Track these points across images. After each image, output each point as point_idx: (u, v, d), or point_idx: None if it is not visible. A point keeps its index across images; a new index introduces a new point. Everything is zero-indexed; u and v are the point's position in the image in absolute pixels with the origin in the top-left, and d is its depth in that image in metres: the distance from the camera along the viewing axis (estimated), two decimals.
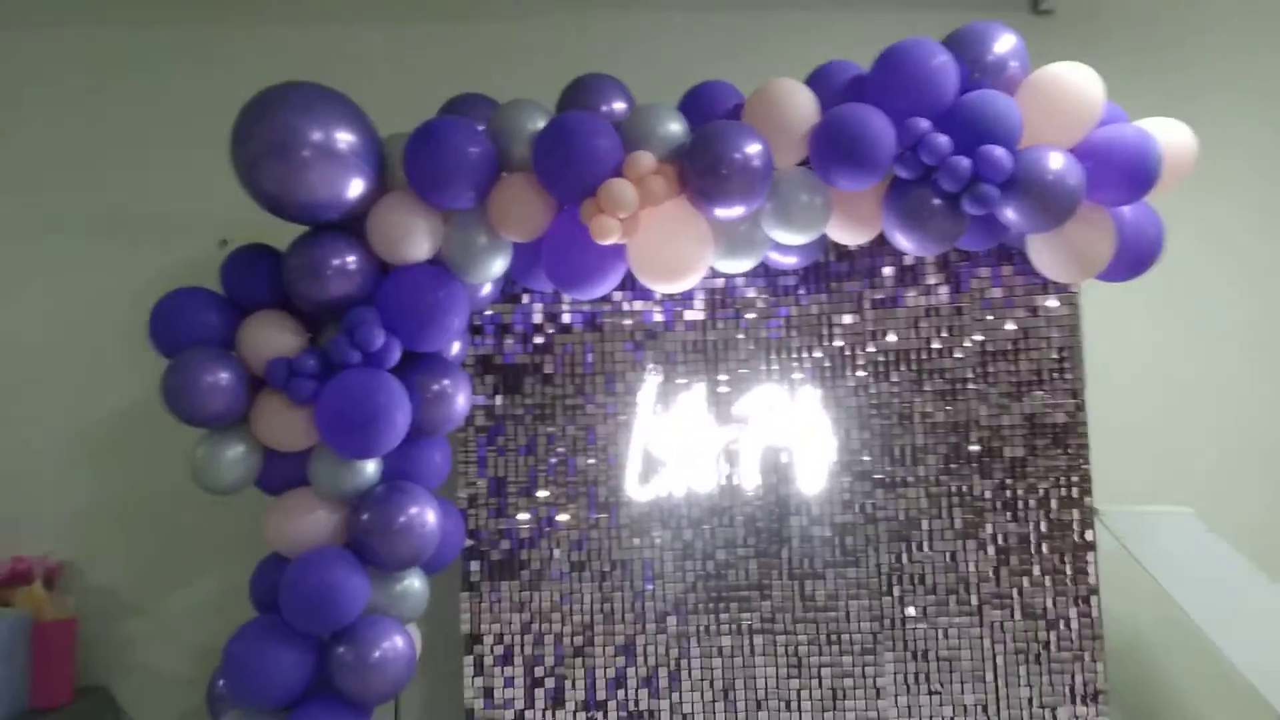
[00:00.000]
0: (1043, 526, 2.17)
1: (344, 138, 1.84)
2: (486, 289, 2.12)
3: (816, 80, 1.99)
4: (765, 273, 2.25)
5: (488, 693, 2.20)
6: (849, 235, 2.03)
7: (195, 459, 1.90)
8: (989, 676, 2.16)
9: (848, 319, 2.25)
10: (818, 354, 2.25)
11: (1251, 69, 2.74)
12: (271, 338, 1.90)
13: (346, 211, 1.89)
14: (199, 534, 2.49)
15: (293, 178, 1.80)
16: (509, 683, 2.20)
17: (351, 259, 1.90)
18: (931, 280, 2.24)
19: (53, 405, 2.55)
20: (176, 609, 2.50)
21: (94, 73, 2.65)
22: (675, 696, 2.19)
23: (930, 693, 2.17)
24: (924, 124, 1.86)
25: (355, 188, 1.87)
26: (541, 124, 1.93)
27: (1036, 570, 2.17)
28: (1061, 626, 2.16)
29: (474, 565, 2.22)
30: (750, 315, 2.26)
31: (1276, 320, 2.67)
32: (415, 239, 1.91)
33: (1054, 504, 2.18)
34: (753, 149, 1.84)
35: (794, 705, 2.18)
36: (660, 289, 2.04)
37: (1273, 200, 2.70)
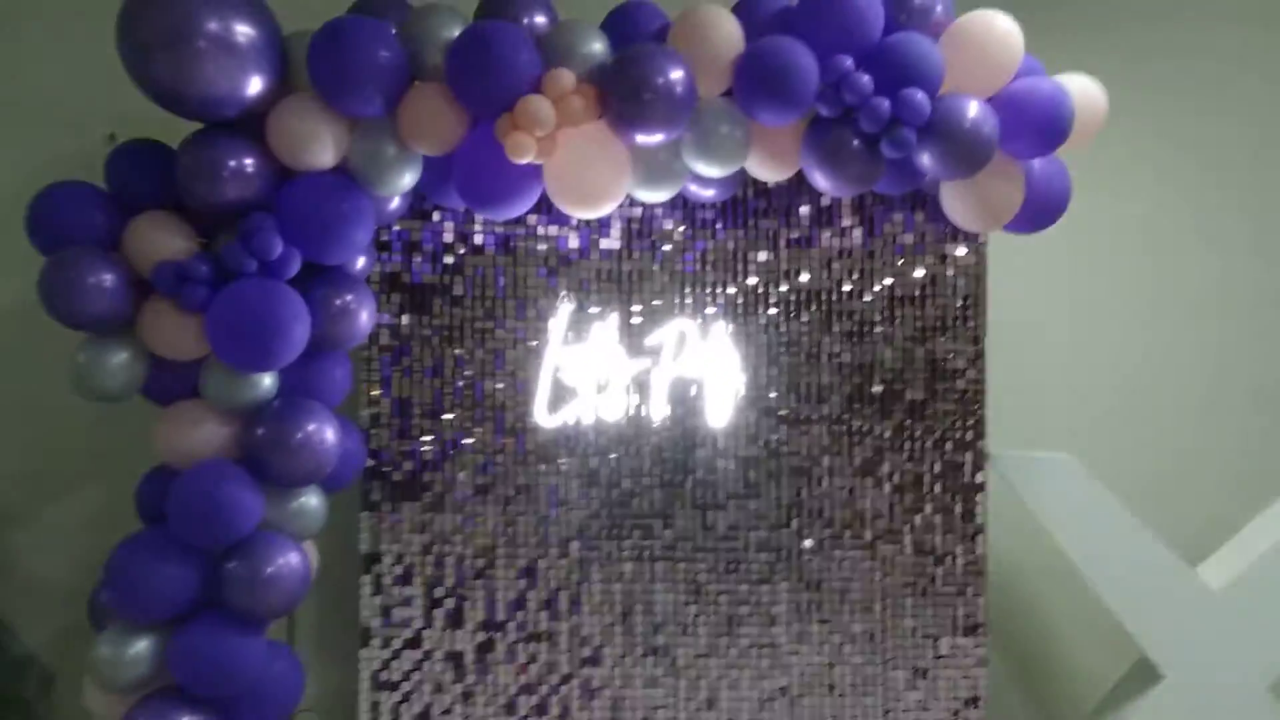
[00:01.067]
0: (937, 467, 2.25)
1: (243, 30, 1.72)
2: (395, 203, 2.05)
3: (743, 9, 1.95)
4: (683, 205, 2.23)
5: (385, 611, 2.19)
6: (768, 171, 2.02)
7: (76, 364, 1.81)
8: (877, 608, 2.25)
9: (762, 256, 2.25)
10: (731, 290, 2.25)
11: (1164, 32, 2.79)
12: (160, 240, 1.80)
13: (245, 110, 1.79)
14: (81, 442, 2.39)
15: (186, 70, 1.69)
16: (407, 602, 2.19)
17: (249, 161, 1.80)
18: (846, 222, 2.25)
19: None
20: (58, 520, 2.41)
21: None
22: (575, 619, 2.22)
23: (821, 621, 2.25)
24: (848, 62, 1.84)
25: (254, 85, 1.76)
26: (457, 32, 1.85)
27: (928, 508, 2.25)
28: (948, 562, 2.25)
29: (375, 485, 2.19)
30: (666, 247, 2.24)
31: (1169, 280, 2.78)
32: (318, 145, 1.82)
33: (949, 446, 2.25)
34: (676, 75, 1.80)
35: (690, 630, 2.23)
36: (576, 214, 2.00)
37: (1174, 163, 2.78)
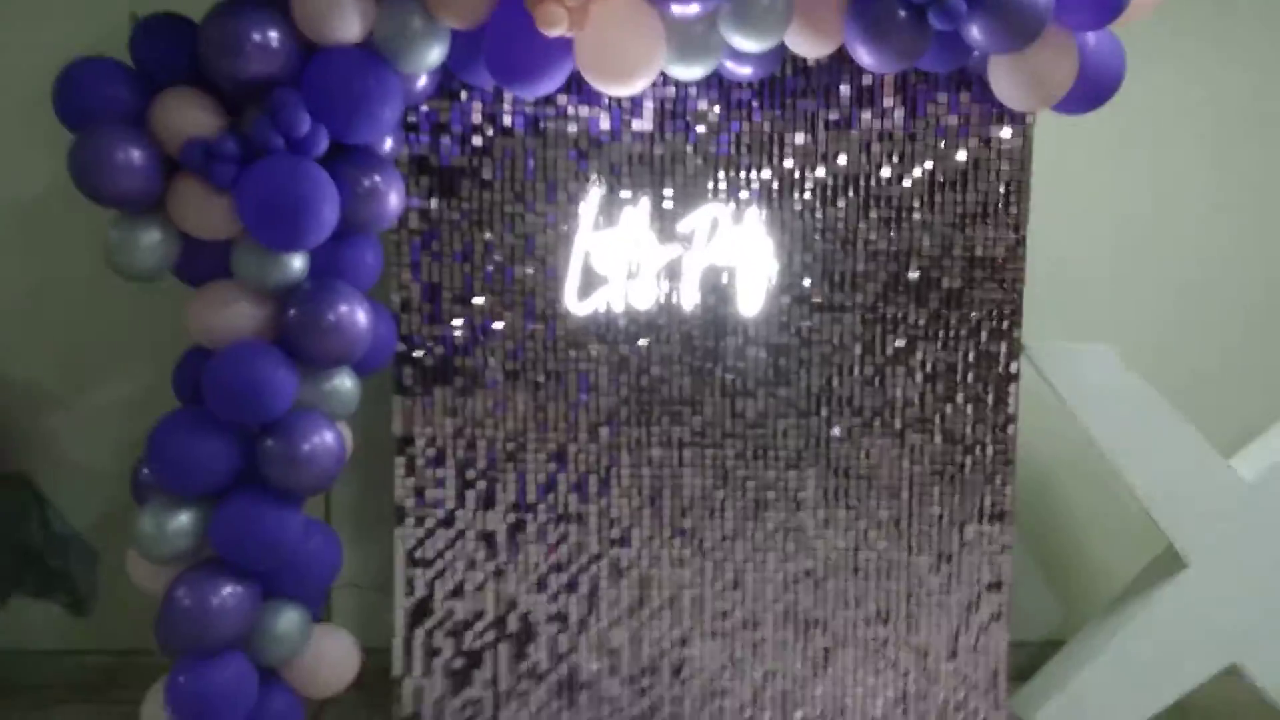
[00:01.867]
0: (970, 356, 2.22)
1: None
2: (422, 81, 1.99)
3: None
4: (718, 85, 2.15)
5: (418, 492, 2.24)
6: (809, 45, 1.94)
7: (109, 242, 1.80)
8: (904, 494, 2.26)
9: (800, 138, 2.18)
10: (766, 174, 2.19)
11: None
12: (187, 116, 1.77)
13: None
14: (118, 326, 2.42)
15: None
16: (439, 483, 2.24)
17: (273, 34, 1.75)
18: (888, 103, 2.17)
19: None
20: (96, 401, 2.46)
21: None
22: (604, 502, 2.26)
23: (848, 507, 2.27)
24: None
25: None
26: None
27: (960, 398, 2.24)
28: (977, 451, 2.25)
29: (407, 369, 2.20)
30: (700, 129, 2.18)
31: (1225, 172, 2.67)
32: (344, 17, 1.76)
33: (984, 335, 2.22)
34: None
35: (717, 513, 2.27)
36: (609, 91, 1.94)
37: (1236, 43, 2.64)
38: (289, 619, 1.99)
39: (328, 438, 1.90)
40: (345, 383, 2.01)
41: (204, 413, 1.87)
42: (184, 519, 1.88)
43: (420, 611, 2.26)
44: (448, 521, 2.25)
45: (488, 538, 2.26)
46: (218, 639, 1.87)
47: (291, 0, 1.76)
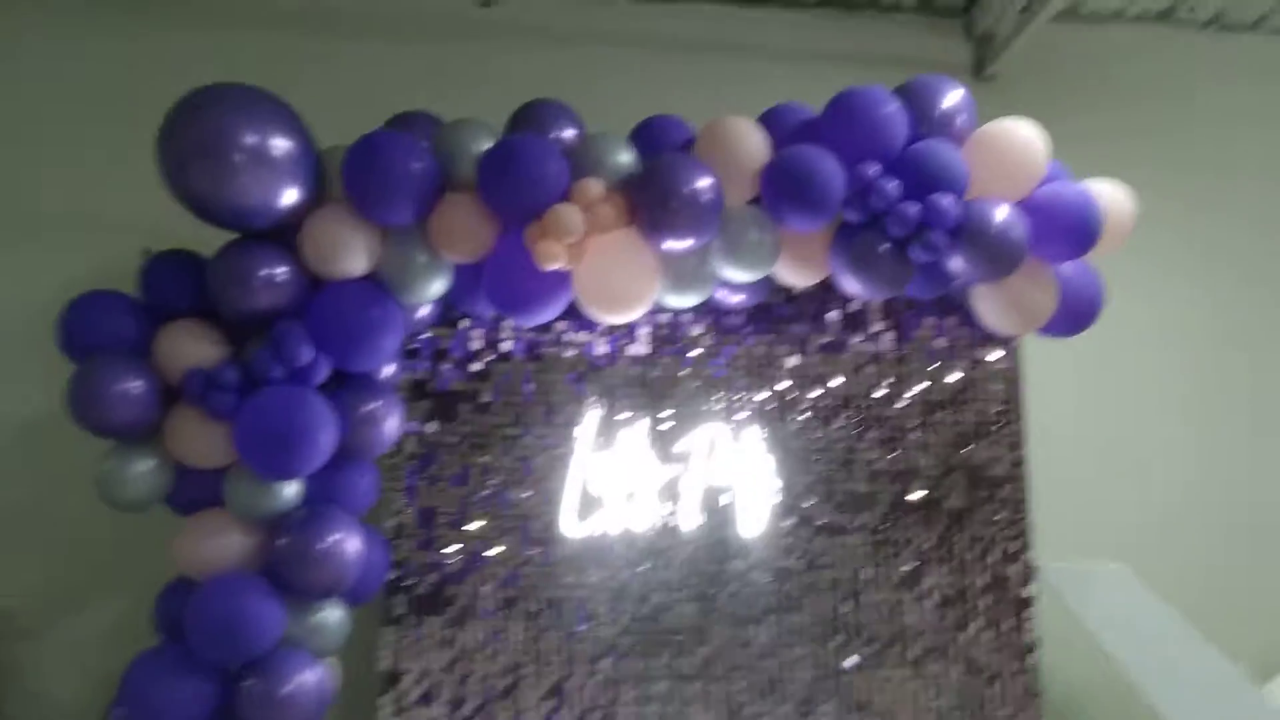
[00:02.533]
0: (983, 580, 2.15)
1: (279, 144, 1.77)
2: (424, 311, 2.06)
3: (769, 120, 1.99)
4: (712, 310, 2.22)
5: None
6: (797, 276, 2.02)
7: (102, 472, 1.79)
8: None
9: (793, 361, 2.22)
10: (762, 395, 2.21)
11: (1180, 139, 2.82)
12: (190, 347, 1.81)
13: (278, 221, 1.83)
14: (101, 553, 2.35)
15: (223, 181, 1.73)
16: None
17: (281, 270, 1.83)
18: (877, 327, 2.23)
19: None
20: (73, 631, 2.34)
21: (6, 64, 2.54)
22: None
23: None
24: (874, 168, 1.86)
25: (289, 196, 1.80)
26: (488, 145, 1.89)
27: (977, 624, 2.14)
28: (998, 684, 2.12)
29: (398, 599, 2.12)
30: (695, 352, 2.22)
31: (1208, 379, 2.72)
32: (351, 253, 1.85)
33: (994, 557, 2.16)
34: (703, 183, 1.82)
35: None
36: (605, 320, 1.99)
37: (1204, 265, 2.77)
38: None
39: (311, 678, 1.80)
40: (333, 615, 1.93)
41: (182, 650, 1.78)
42: None
43: None
44: None
45: None
46: None
47: (301, 238, 1.85)
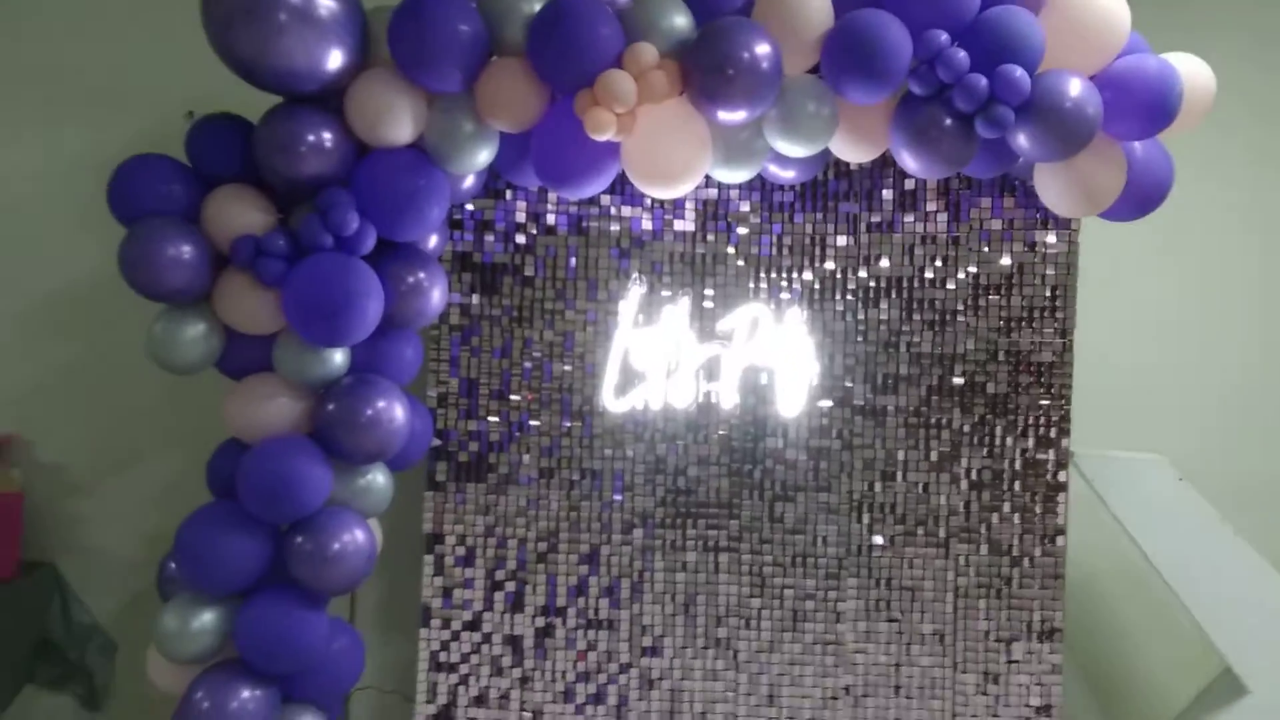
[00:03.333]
0: (1017, 464, 2.16)
1: (325, 3, 1.70)
2: (469, 181, 2.02)
3: None
4: (761, 187, 2.16)
5: (446, 593, 2.18)
6: (853, 152, 1.95)
7: (153, 335, 1.81)
8: (949, 608, 2.17)
9: (841, 241, 2.18)
10: (808, 275, 2.18)
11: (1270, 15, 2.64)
12: (239, 213, 1.79)
13: (324, 84, 1.77)
14: (154, 415, 2.41)
15: (268, 43, 1.66)
16: (468, 584, 2.18)
17: (328, 136, 1.78)
18: (931, 207, 2.17)
19: (6, 276, 2.43)
20: (127, 490, 2.44)
21: None
22: (636, 608, 2.18)
23: (889, 620, 2.18)
24: (943, 37, 1.76)
25: (335, 59, 1.74)
26: (538, 5, 1.80)
27: (1007, 507, 2.17)
28: (1026, 564, 2.17)
29: (440, 465, 2.17)
30: (742, 230, 2.18)
31: (1273, 276, 2.64)
32: (396, 120, 1.79)
33: (1031, 443, 2.16)
34: (762, 50, 1.74)
35: (754, 624, 2.18)
36: (653, 193, 1.94)
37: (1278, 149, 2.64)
38: None
39: (359, 536, 1.86)
40: (379, 479, 1.98)
41: (235, 508, 1.83)
42: (208, 618, 1.83)
43: (441, 718, 2.17)
44: (474, 624, 2.19)
45: (514, 642, 2.19)
46: None
47: (346, 103, 1.80)
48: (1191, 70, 1.91)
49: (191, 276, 1.77)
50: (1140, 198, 1.95)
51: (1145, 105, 1.81)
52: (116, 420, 2.44)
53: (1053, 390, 2.15)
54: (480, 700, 2.18)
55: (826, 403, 2.17)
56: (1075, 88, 1.76)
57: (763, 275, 2.18)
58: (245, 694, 1.81)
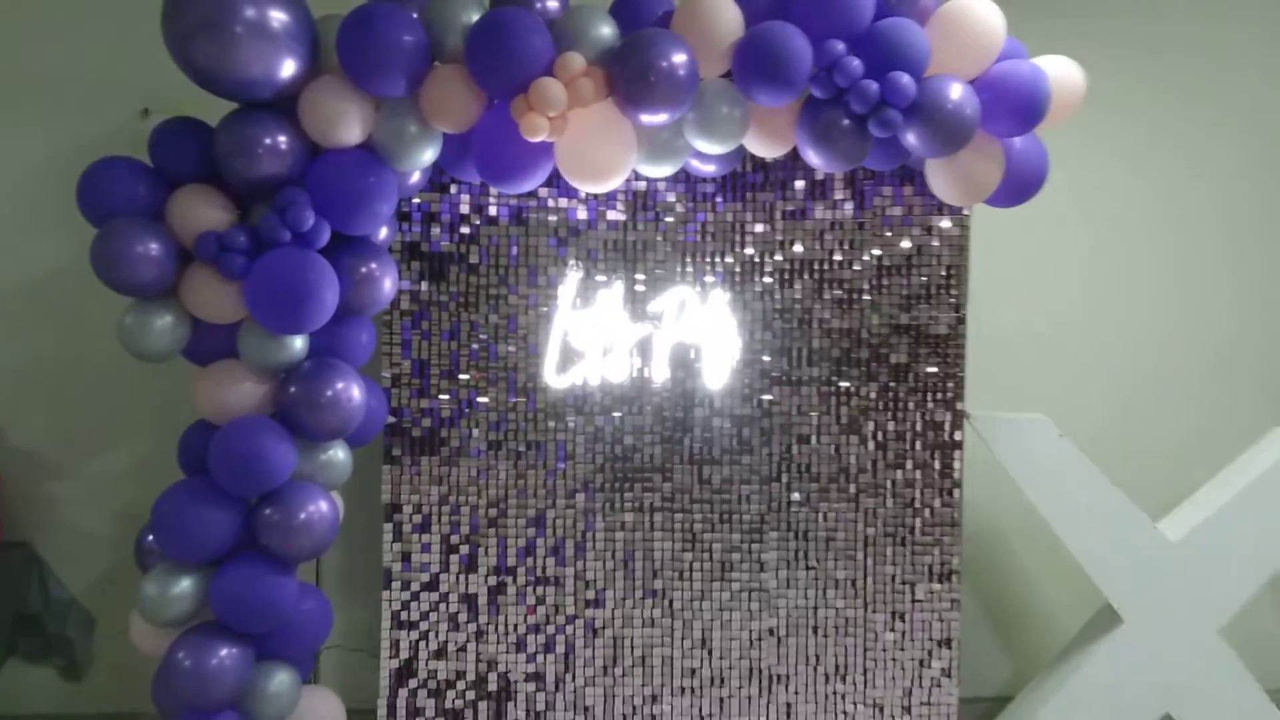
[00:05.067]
0: (918, 426, 2.41)
1: (278, 16, 1.84)
2: (415, 177, 2.18)
3: None
4: (685, 179, 2.36)
5: (405, 557, 2.37)
6: (765, 148, 2.16)
7: (124, 326, 1.95)
8: (859, 555, 2.43)
9: (759, 228, 2.39)
10: (729, 259, 2.39)
11: (1140, 20, 2.91)
12: (201, 212, 1.93)
13: (278, 91, 1.91)
14: (122, 400, 2.54)
15: (226, 55, 1.81)
16: (425, 548, 2.37)
17: (283, 139, 1.93)
18: (839, 195, 2.39)
19: None
20: (100, 471, 2.57)
21: None
22: (580, 565, 2.40)
23: (807, 568, 2.43)
24: (840, 46, 1.97)
25: (288, 68, 1.88)
26: (475, 16, 1.96)
27: (909, 464, 2.42)
28: (926, 514, 2.42)
29: (396, 440, 2.35)
30: (669, 219, 2.38)
31: (1139, 253, 2.94)
32: (347, 123, 1.95)
33: (930, 406, 2.41)
34: (679, 58, 1.93)
35: (686, 575, 2.41)
36: (585, 188, 2.13)
37: (1148, 149, 2.93)
38: (280, 680, 2.09)
39: (323, 507, 2.04)
40: (339, 454, 2.15)
41: (207, 483, 1.99)
42: (185, 584, 2.00)
43: (404, 672, 2.37)
44: (432, 585, 2.38)
45: (469, 600, 2.39)
46: (213, 699, 1.97)
47: (299, 108, 1.95)
48: (1062, 71, 2.15)
49: (159, 271, 1.92)
50: (1018, 187, 2.19)
51: (1018, 106, 2.04)
52: (87, 406, 2.57)
53: (948, 359, 2.40)
54: (439, 654, 2.38)
55: (748, 375, 2.39)
56: (956, 91, 1.98)
57: (689, 260, 2.39)
58: (223, 652, 1.98)
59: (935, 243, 2.40)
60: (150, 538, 2.09)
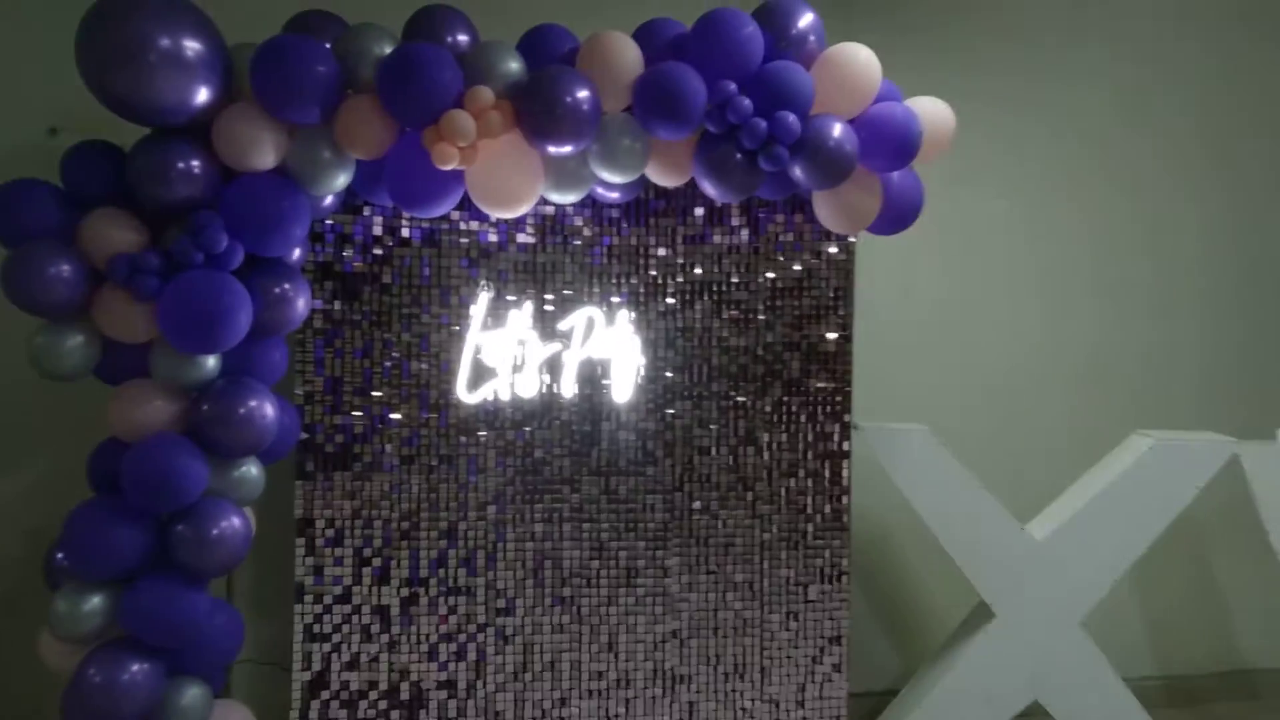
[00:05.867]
0: (809, 437, 2.59)
1: (191, 45, 1.90)
2: (329, 200, 2.25)
3: (642, 34, 2.21)
4: (592, 204, 2.49)
5: (317, 570, 2.42)
6: (665, 179, 2.30)
7: (36, 346, 1.97)
8: (756, 559, 2.58)
9: (662, 251, 2.54)
10: (634, 281, 2.53)
11: (1006, 53, 3.18)
12: (114, 235, 1.97)
13: (192, 117, 1.97)
14: (27, 419, 2.52)
15: (141, 83, 1.86)
16: (338, 561, 2.43)
17: (196, 163, 1.98)
18: (735, 222, 2.55)
19: None
20: (3, 490, 2.54)
21: None
22: (491, 574, 2.49)
23: (708, 572, 2.57)
24: (731, 87, 2.13)
25: (202, 95, 1.94)
26: (387, 49, 2.06)
27: (801, 473, 2.59)
28: (818, 519, 2.60)
29: (309, 456, 2.40)
30: (577, 242, 2.51)
31: (1008, 273, 3.21)
32: (260, 149, 2.01)
33: (820, 418, 2.59)
34: (583, 94, 2.06)
35: (594, 582, 2.53)
36: (494, 214, 2.24)
37: (1019, 174, 3.20)
38: (192, 695, 2.12)
39: (235, 522, 2.08)
40: (252, 470, 2.19)
41: (117, 501, 2.02)
42: (96, 600, 2.02)
43: (317, 684, 2.42)
44: (344, 598, 2.44)
45: (382, 612, 2.45)
46: (125, 714, 1.99)
47: (213, 133, 2.01)
48: (933, 110, 2.36)
49: (71, 293, 1.95)
50: (897, 217, 2.39)
51: (893, 144, 2.24)
52: None
53: (836, 374, 2.59)
54: (352, 665, 2.44)
55: (652, 390, 2.53)
56: (837, 130, 2.16)
57: (595, 282, 2.51)
58: (135, 667, 2.00)
59: (823, 267, 2.58)
60: (60, 555, 2.10)
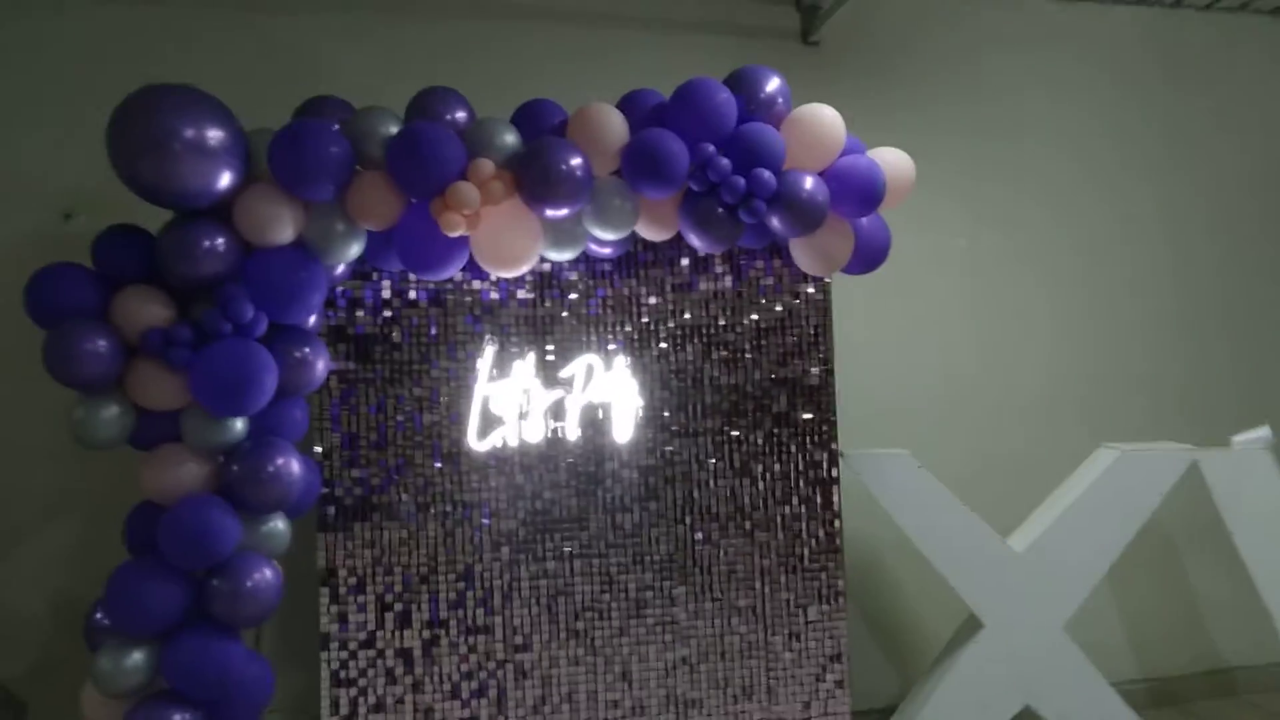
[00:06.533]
0: (800, 466, 2.75)
1: (214, 134, 2.07)
2: (341, 268, 2.42)
3: (626, 104, 2.41)
4: (585, 260, 2.67)
5: (342, 618, 2.54)
6: (653, 234, 2.49)
7: (75, 419, 2.10)
8: (758, 584, 2.73)
9: (652, 300, 2.71)
10: (628, 328, 2.70)
11: (963, 105, 3.42)
12: (145, 310, 2.12)
13: (215, 200, 2.13)
14: (53, 487, 2.63)
15: (168, 171, 2.02)
16: (361, 608, 2.55)
17: (220, 241, 2.15)
18: (719, 269, 2.74)
19: None
20: (30, 556, 2.64)
21: None
22: (507, 612, 2.62)
23: (713, 599, 2.71)
24: (710, 148, 2.33)
25: (224, 179, 2.11)
26: (393, 129, 2.24)
27: (794, 500, 2.75)
28: (812, 543, 2.75)
29: (330, 509, 2.53)
30: (573, 295, 2.68)
31: (978, 305, 3.41)
32: (280, 225, 2.18)
33: (809, 448, 2.76)
34: (575, 161, 2.24)
35: (605, 614, 2.66)
36: (498, 274, 2.41)
37: (981, 210, 3.42)
38: None
39: (268, 574, 2.21)
40: (279, 525, 2.33)
41: (155, 559, 2.15)
42: (138, 656, 2.13)
43: None
44: (369, 643, 2.55)
45: (405, 654, 2.57)
46: None
47: (235, 212, 2.17)
48: (894, 161, 2.56)
49: (106, 366, 2.09)
50: (867, 258, 2.58)
51: (860, 192, 2.44)
52: (17, 493, 2.65)
53: (821, 406, 2.76)
54: (378, 707, 2.55)
55: (651, 429, 2.69)
56: (809, 183, 2.36)
57: (592, 331, 2.68)
58: (175, 718, 2.12)
59: (803, 306, 2.76)
60: (99, 615, 2.22)
